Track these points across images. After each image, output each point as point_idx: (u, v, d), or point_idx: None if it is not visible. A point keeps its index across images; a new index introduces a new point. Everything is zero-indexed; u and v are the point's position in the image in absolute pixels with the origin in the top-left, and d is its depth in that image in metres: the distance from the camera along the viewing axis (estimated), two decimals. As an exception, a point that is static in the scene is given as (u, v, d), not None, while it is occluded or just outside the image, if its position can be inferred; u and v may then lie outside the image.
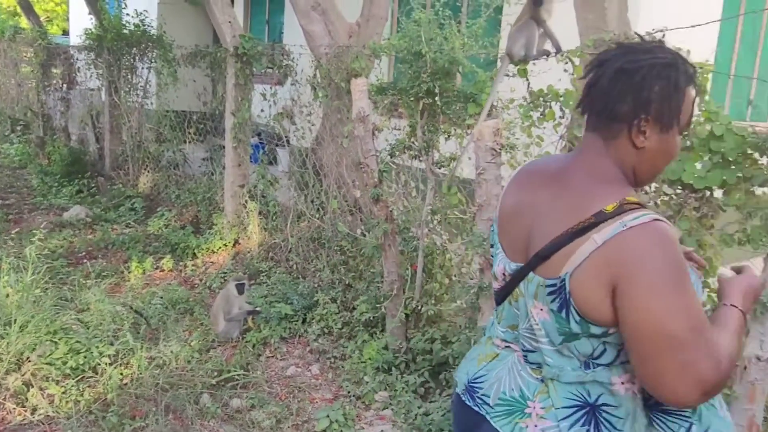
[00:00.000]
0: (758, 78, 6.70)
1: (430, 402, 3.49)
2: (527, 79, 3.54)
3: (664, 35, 3.02)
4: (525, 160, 3.75)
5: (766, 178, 2.81)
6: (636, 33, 1.59)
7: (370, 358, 3.85)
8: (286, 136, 5.79)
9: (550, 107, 3.50)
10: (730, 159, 2.90)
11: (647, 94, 1.26)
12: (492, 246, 1.56)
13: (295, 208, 5.45)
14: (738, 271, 1.47)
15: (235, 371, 3.74)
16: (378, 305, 4.09)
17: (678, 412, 1.32)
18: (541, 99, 3.53)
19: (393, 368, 3.78)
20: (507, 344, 1.49)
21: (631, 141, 1.30)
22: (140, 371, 3.57)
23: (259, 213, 5.75)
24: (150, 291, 4.84)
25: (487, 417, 1.42)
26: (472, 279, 3.74)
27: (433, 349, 3.74)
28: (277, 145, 6.34)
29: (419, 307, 3.94)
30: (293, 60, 5.80)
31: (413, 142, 4.17)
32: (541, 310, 1.32)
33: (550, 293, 1.28)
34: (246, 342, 4.16)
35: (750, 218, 2.83)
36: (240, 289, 4.29)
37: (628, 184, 1.33)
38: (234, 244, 5.82)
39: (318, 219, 5.14)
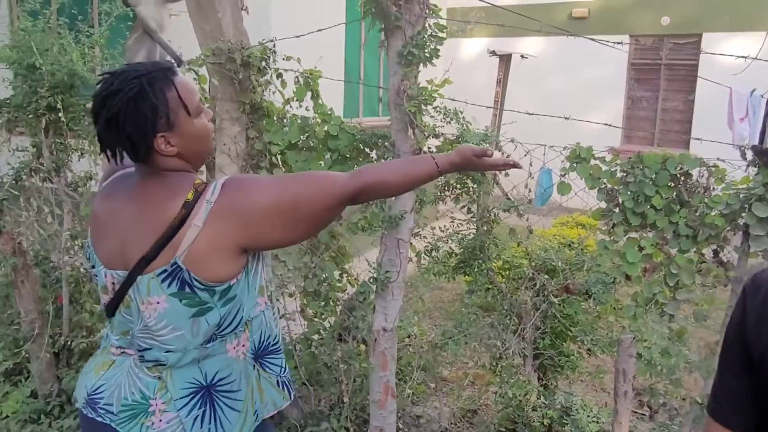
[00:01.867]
0: (383, 86, 7.58)
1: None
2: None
3: (274, 45, 3.23)
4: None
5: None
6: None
7: (14, 412, 3.39)
8: None
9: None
10: (347, 155, 3.21)
11: (138, 127, 1.40)
12: (93, 267, 1.59)
13: None
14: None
15: None
16: (18, 350, 3.61)
17: (275, 351, 1.63)
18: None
19: (43, 416, 3.39)
20: (122, 350, 1.55)
21: (164, 154, 1.46)
22: None
23: None
24: None
25: (113, 425, 1.47)
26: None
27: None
28: None
29: (69, 342, 3.60)
30: None
31: (41, 163, 3.77)
32: (158, 303, 1.43)
33: (164, 280, 1.41)
34: None
35: (368, 206, 3.16)
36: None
37: (189, 174, 1.51)
38: None
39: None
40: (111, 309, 1.53)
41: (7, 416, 3.37)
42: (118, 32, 4.51)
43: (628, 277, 2.88)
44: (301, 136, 3.20)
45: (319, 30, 3.50)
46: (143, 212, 1.46)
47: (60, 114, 3.56)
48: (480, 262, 3.10)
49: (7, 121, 3.92)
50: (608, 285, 2.83)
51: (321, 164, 3.22)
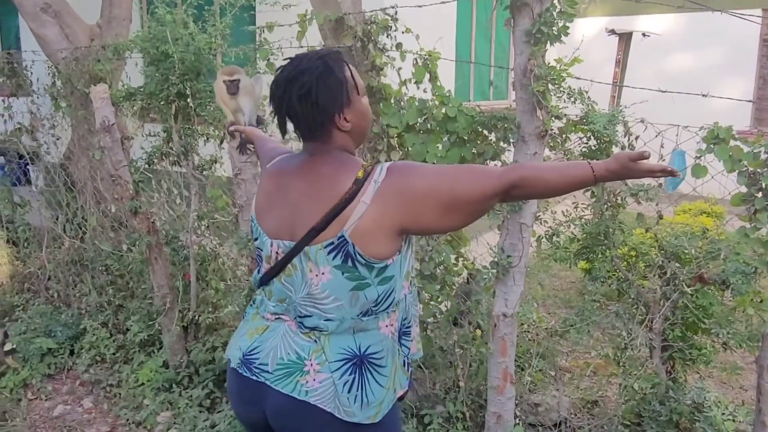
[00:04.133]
0: (495, 65, 7.42)
1: (217, 413, 3.38)
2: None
3: (396, 12, 3.22)
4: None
5: (496, 152, 3.13)
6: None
7: (148, 380, 3.62)
8: (35, 152, 5.21)
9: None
10: (465, 138, 3.16)
11: (329, 100, 1.54)
12: (256, 239, 1.71)
13: (51, 231, 4.94)
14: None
15: (-11, 424, 3.31)
16: (152, 322, 3.86)
17: (407, 332, 1.71)
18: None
19: (174, 385, 3.60)
20: (277, 316, 1.65)
21: (340, 130, 1.60)
22: None
23: (8, 241, 5.12)
24: None
25: (268, 383, 1.59)
26: (247, 279, 3.68)
27: (215, 358, 3.63)
28: (26, 164, 5.70)
29: (197, 317, 3.80)
30: (27, 67, 5.21)
31: (171, 148, 3.98)
32: (323, 273, 1.53)
33: (330, 252, 1.51)
34: (1, 388, 3.69)
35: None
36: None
37: (353, 155, 1.64)
38: (-22, 282, 5.13)
39: (77, 239, 4.70)
40: (269, 277, 1.65)
41: (142, 384, 3.61)
42: (241, 21, 4.67)
43: (771, 267, 2.66)
44: (419, 119, 3.18)
45: (441, 1, 3.46)
46: (314, 186, 1.56)
47: (189, 100, 3.74)
48: (604, 248, 2.97)
49: (141, 109, 4.18)
50: (748, 275, 2.62)
51: (439, 147, 3.19)
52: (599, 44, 9.54)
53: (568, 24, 2.78)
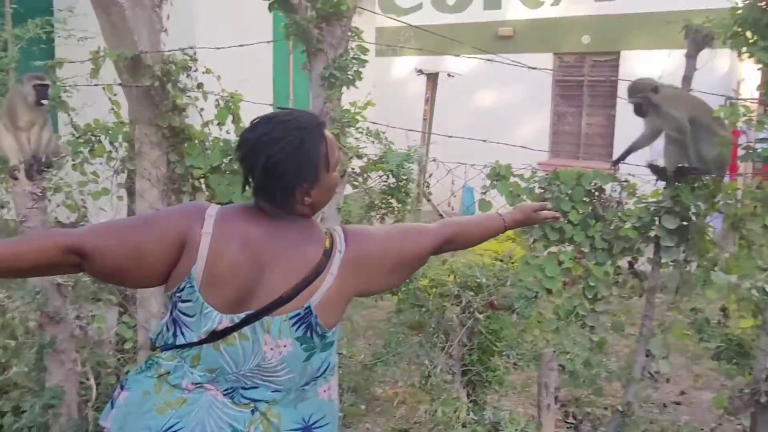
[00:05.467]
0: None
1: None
2: (69, 114, 3.34)
3: (195, 53, 3.18)
4: (83, 198, 3.55)
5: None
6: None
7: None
8: None
9: (100, 141, 3.39)
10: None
11: (295, 177, 1.48)
12: (188, 302, 1.47)
13: None
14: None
15: None
16: None
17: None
18: (89, 134, 3.39)
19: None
20: (199, 386, 1.49)
21: (302, 203, 1.53)
22: None
23: None
24: None
25: None
26: (35, 336, 3.38)
27: (3, 425, 3.27)
28: None
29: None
30: None
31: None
32: (284, 346, 1.47)
33: (295, 323, 1.47)
34: None
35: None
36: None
37: (313, 221, 1.62)
38: None
39: None
40: (197, 342, 1.47)
41: None
42: (40, 55, 4.36)
43: (549, 291, 2.96)
44: (224, 160, 3.15)
45: (241, 45, 3.48)
46: (285, 254, 1.50)
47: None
48: (406, 281, 3.12)
49: None
50: (530, 299, 2.89)
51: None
52: (414, 83, 10.13)
53: (361, 69, 2.92)
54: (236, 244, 1.48)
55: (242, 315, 1.46)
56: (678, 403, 3.79)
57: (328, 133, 1.58)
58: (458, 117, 10.81)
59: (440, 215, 6.23)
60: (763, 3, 2.36)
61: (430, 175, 3.14)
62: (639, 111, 2.90)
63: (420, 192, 5.61)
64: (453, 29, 10.95)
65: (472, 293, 3.05)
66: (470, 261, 3.43)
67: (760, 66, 2.45)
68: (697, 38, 2.93)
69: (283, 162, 1.46)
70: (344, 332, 3.48)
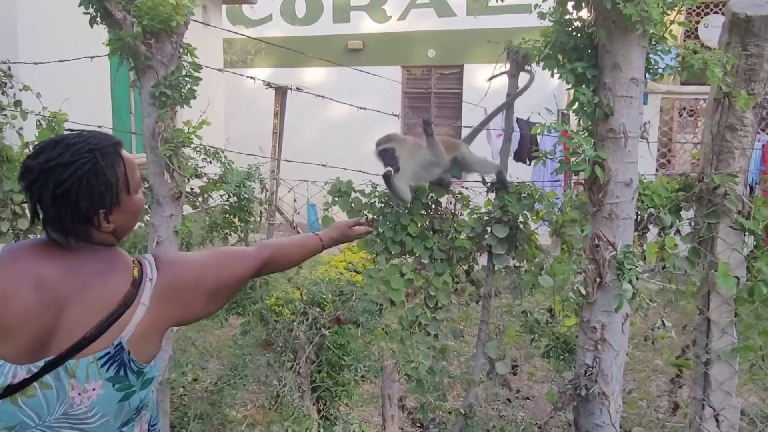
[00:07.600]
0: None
1: None
2: None
3: (9, 68, 2.95)
4: None
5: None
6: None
7: None
8: None
9: None
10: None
11: (91, 203, 1.37)
12: None
13: None
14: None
15: None
16: None
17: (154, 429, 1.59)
18: None
19: None
20: None
21: (102, 229, 1.42)
22: None
23: None
24: None
25: None
26: None
27: None
28: None
29: None
30: None
31: None
32: (93, 390, 1.35)
33: (104, 363, 1.34)
34: None
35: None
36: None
37: (118, 249, 1.49)
38: None
39: None
40: None
41: None
42: None
43: (393, 303, 3.04)
44: (48, 183, 2.94)
45: (61, 60, 3.26)
46: (85, 289, 1.37)
47: None
48: (251, 301, 3.07)
49: None
50: (374, 312, 2.95)
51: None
52: (264, 95, 10.04)
53: (195, 87, 2.85)
54: (27, 286, 1.35)
55: (41, 363, 1.33)
56: (528, 398, 4.01)
57: (125, 153, 1.46)
58: (312, 129, 10.86)
59: (294, 228, 6.23)
60: (569, 28, 2.57)
61: (272, 194, 3.11)
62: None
63: (274, 206, 5.56)
64: (304, 42, 11.01)
65: (318, 309, 3.07)
66: (320, 275, 3.45)
67: (568, 86, 2.65)
68: (517, 58, 3.15)
69: (76, 188, 1.34)
70: (190, 356, 3.36)
